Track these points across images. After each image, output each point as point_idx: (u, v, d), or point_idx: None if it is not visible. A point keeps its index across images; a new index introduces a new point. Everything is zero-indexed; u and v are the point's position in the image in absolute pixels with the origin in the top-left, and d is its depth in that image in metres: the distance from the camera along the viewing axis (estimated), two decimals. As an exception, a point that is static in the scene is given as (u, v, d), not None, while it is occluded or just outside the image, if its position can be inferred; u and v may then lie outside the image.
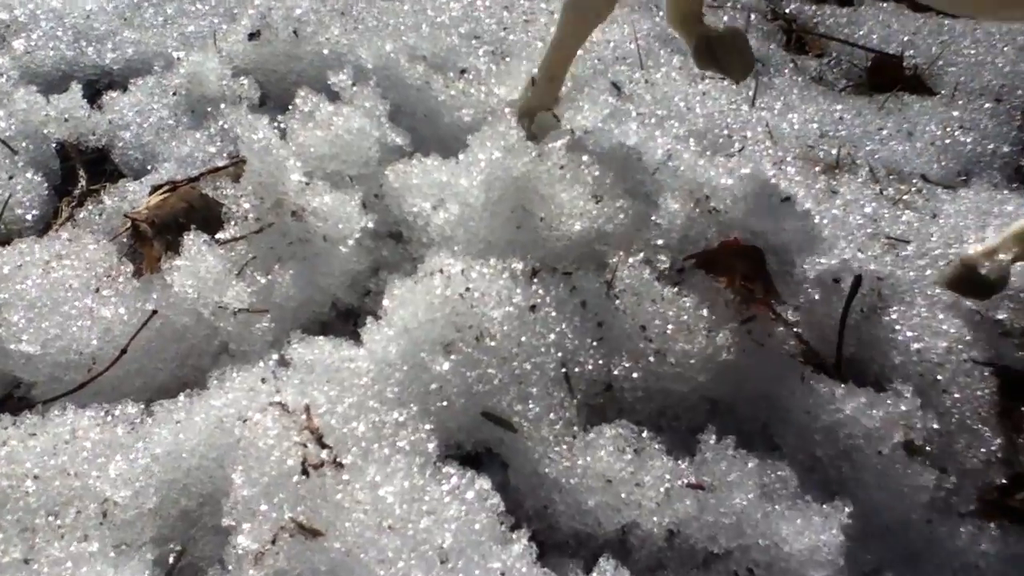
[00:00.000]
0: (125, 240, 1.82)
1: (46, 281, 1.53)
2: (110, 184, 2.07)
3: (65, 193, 2.07)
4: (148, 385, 1.51)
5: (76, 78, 2.33)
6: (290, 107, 2.00)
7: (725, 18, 2.85)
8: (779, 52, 2.65)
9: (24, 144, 2.05)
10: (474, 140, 1.79)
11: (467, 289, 1.52)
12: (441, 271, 1.55)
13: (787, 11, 3.10)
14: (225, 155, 2.01)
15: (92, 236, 1.67)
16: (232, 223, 1.66)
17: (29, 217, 1.90)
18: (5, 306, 1.48)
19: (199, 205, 1.69)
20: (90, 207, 1.88)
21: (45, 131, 2.11)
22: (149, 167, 2.06)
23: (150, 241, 1.57)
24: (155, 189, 1.75)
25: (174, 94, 2.18)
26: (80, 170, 2.11)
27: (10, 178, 1.93)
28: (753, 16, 2.90)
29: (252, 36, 2.21)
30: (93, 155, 2.17)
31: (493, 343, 1.48)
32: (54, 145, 2.12)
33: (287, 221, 1.62)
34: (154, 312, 1.43)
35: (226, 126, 2.07)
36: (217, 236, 1.63)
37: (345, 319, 1.75)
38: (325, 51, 2.23)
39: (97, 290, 1.53)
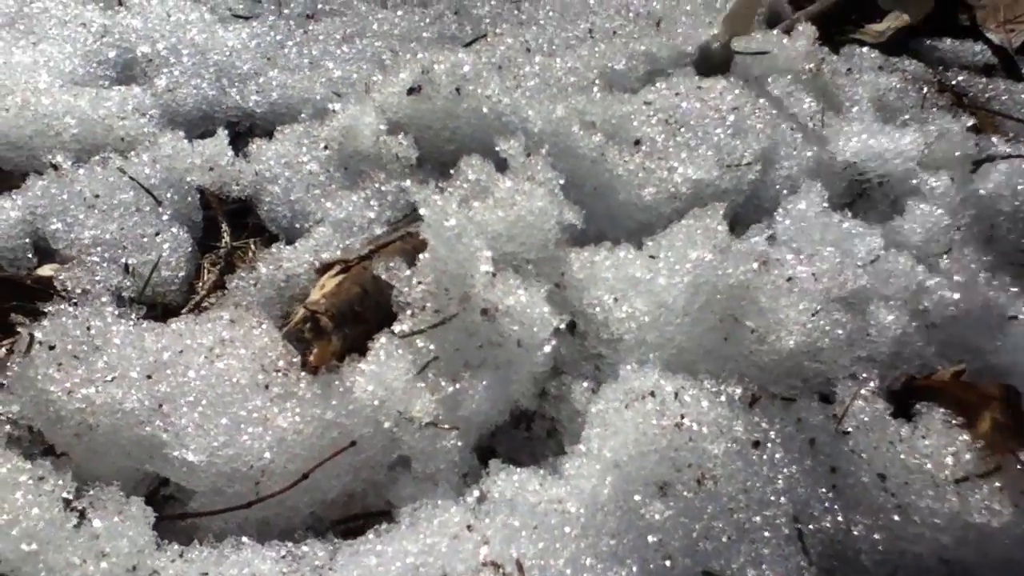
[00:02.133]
0: (280, 310, 1.67)
1: (210, 373, 1.36)
2: (259, 244, 1.93)
3: (207, 248, 1.92)
4: (315, 500, 1.33)
5: (217, 119, 2.19)
6: (452, 172, 1.83)
7: (896, 84, 2.62)
8: (961, 131, 2.39)
9: (168, 195, 1.90)
10: (678, 234, 1.60)
11: (682, 417, 1.33)
12: (652, 394, 1.35)
13: (954, 82, 2.87)
14: (383, 221, 1.85)
15: (254, 316, 1.49)
16: (408, 312, 1.48)
17: (176, 280, 1.74)
18: (167, 401, 1.31)
19: (372, 290, 1.51)
20: (242, 274, 1.72)
21: (188, 179, 1.96)
22: (298, 225, 1.91)
23: (328, 336, 1.39)
24: (325, 268, 1.57)
25: (325, 147, 2.02)
26: (223, 223, 1.96)
27: (156, 235, 1.78)
28: (925, 88, 2.67)
29: (412, 91, 2.04)
30: (235, 205, 2.02)
31: (715, 486, 1.28)
32: (196, 195, 1.97)
33: (475, 319, 1.44)
34: (352, 443, 1.25)
35: (382, 188, 1.90)
36: (394, 328, 1.45)
37: (517, 423, 1.56)
38: (485, 109, 2.05)
39: (267, 387, 1.35)
